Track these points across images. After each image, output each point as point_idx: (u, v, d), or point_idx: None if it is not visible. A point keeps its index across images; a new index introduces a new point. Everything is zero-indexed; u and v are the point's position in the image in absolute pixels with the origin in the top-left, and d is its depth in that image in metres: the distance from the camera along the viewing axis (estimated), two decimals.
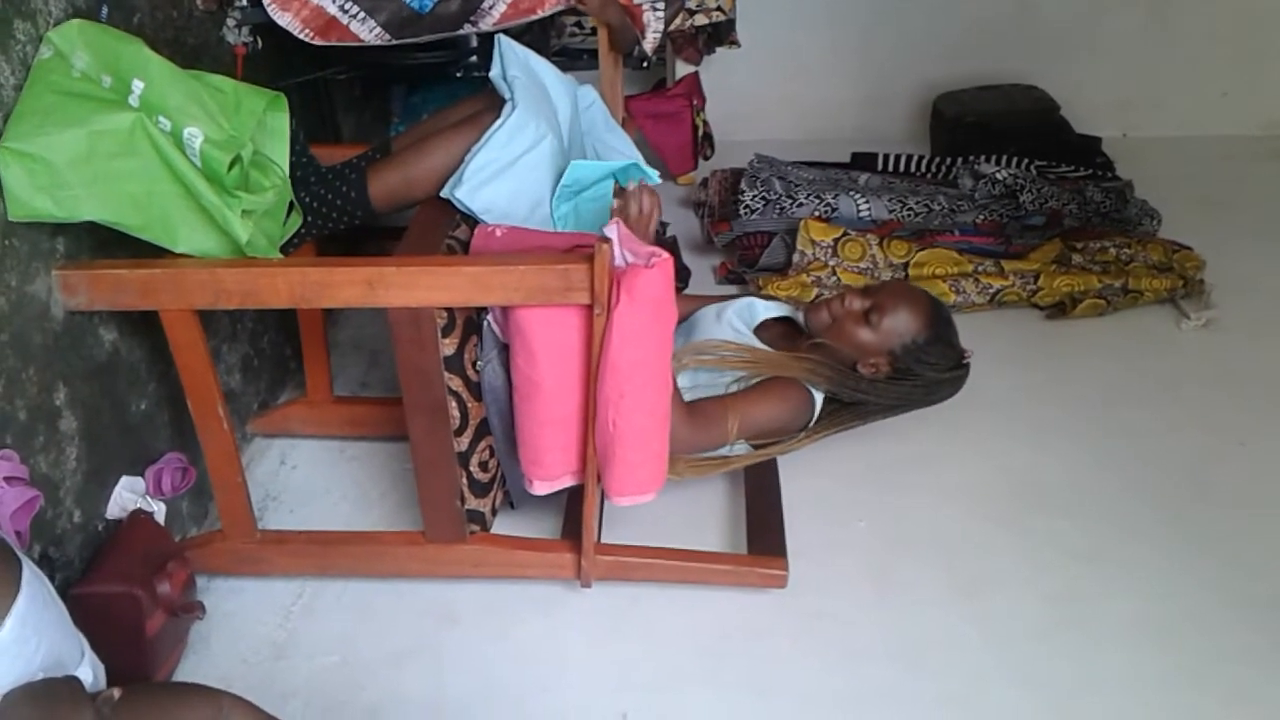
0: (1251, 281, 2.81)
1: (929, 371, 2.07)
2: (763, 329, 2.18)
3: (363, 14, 2.11)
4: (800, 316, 2.19)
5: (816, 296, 2.67)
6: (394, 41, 2.15)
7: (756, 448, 2.05)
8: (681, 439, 1.85)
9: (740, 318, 2.17)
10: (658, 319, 1.62)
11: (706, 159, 3.48)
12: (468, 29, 2.22)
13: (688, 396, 1.95)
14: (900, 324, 2.05)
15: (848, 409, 2.09)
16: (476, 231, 1.76)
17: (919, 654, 1.79)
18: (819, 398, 2.05)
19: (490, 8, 2.19)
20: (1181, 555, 1.96)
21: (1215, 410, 2.36)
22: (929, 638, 1.82)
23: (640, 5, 2.56)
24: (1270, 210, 3.27)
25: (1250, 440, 2.26)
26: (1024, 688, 1.73)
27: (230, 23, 2.11)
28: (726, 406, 1.95)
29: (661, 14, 2.58)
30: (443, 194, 1.82)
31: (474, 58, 2.81)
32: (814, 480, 2.12)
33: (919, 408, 2.13)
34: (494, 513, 1.94)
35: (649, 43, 2.64)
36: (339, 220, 1.89)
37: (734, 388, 2.00)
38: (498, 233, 1.73)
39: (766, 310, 2.22)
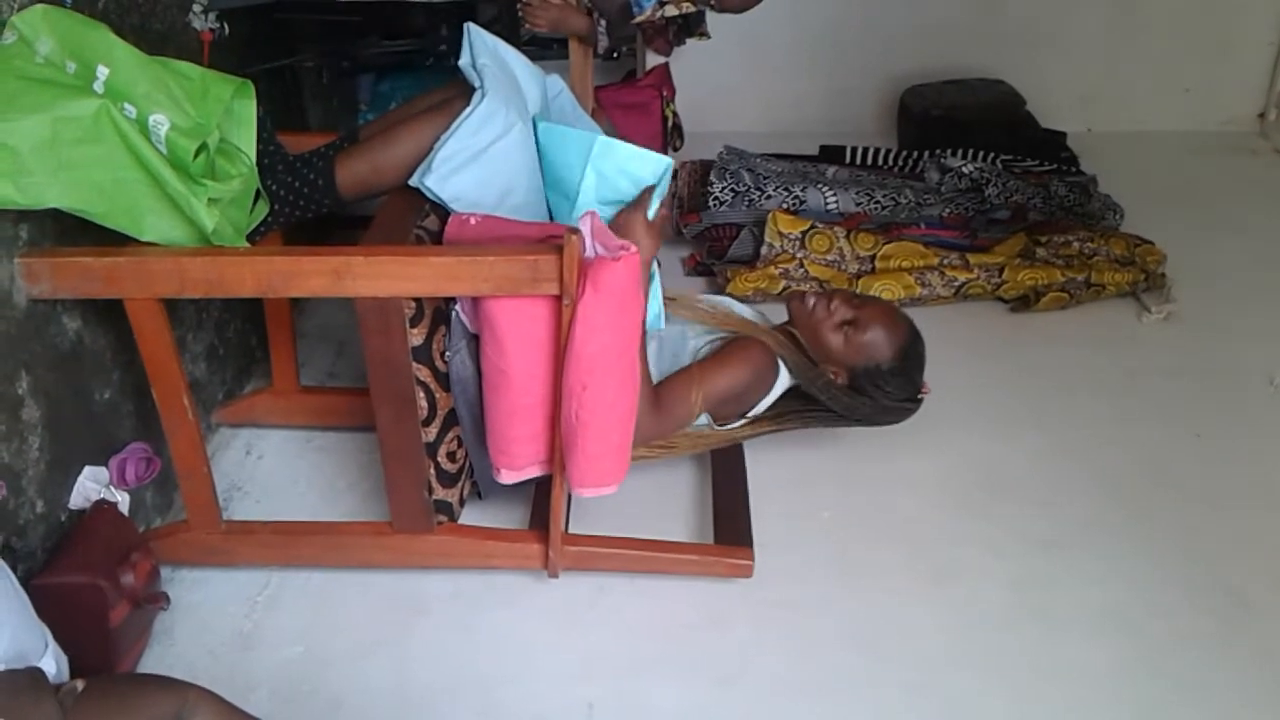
0: (1212, 275, 2.85)
1: (881, 398, 2.04)
2: None
3: None
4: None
5: (785, 288, 2.69)
6: None
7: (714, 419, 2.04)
8: (646, 429, 1.83)
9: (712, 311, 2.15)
10: (623, 312, 1.63)
11: (676, 150, 3.47)
12: None
13: (655, 377, 1.93)
14: (872, 346, 2.01)
15: (793, 409, 2.06)
16: (450, 220, 1.75)
17: (882, 642, 1.81)
18: (784, 375, 2.03)
19: None
20: (1139, 544, 2.00)
21: (1174, 402, 2.40)
22: (892, 626, 1.84)
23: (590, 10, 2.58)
24: (1231, 205, 3.32)
25: (1206, 432, 2.30)
26: (985, 675, 1.75)
27: (196, 8, 2.09)
28: (691, 379, 1.92)
29: (604, 34, 2.60)
30: (411, 182, 1.81)
31: (443, 46, 2.81)
32: (780, 471, 2.14)
33: (864, 425, 2.10)
34: (461, 503, 1.94)
35: (600, 47, 2.66)
36: (306, 209, 1.88)
37: (704, 350, 1.98)
38: (472, 221, 1.73)
39: (741, 312, 2.18)
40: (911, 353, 2.05)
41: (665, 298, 1.98)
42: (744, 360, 1.98)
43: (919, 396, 2.08)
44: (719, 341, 2.01)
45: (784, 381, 2.04)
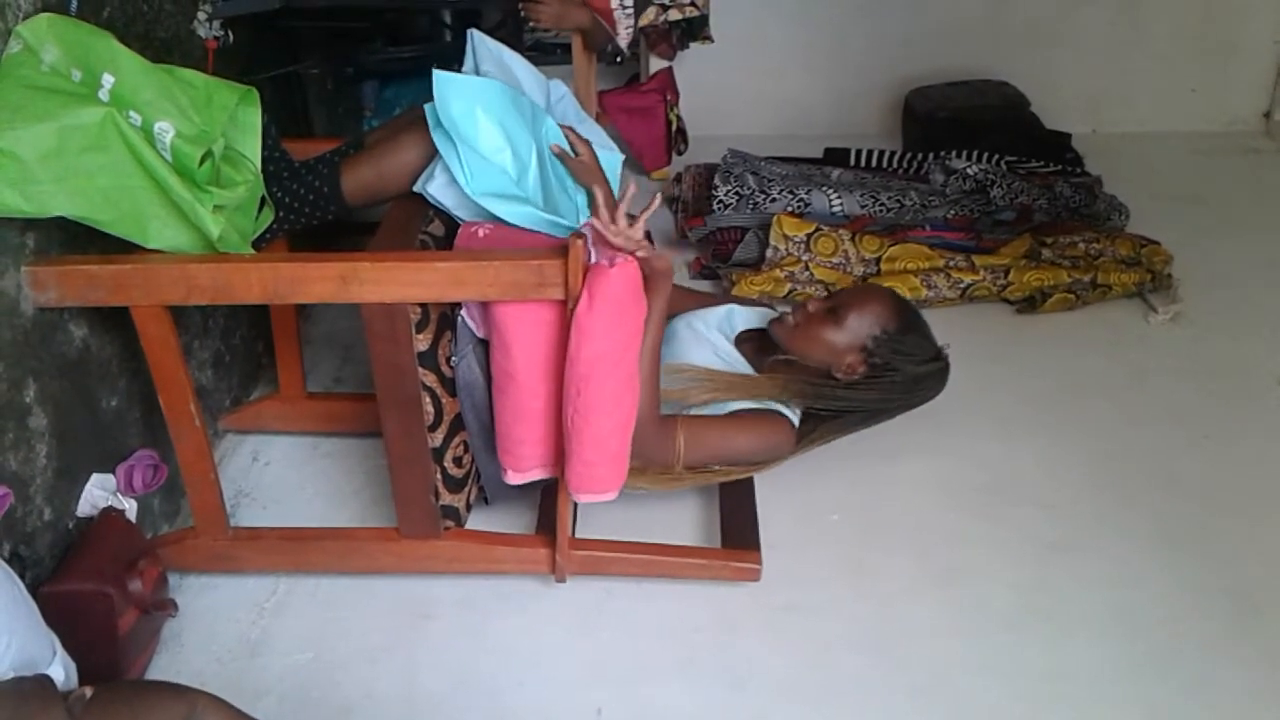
0: (1218, 276, 2.85)
1: (907, 365, 2.00)
2: (741, 340, 2.13)
3: None
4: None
5: (790, 291, 2.68)
6: (354, 2, 2.12)
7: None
8: (649, 446, 1.82)
9: (720, 330, 2.12)
10: (620, 319, 1.62)
11: (680, 154, 3.48)
12: None
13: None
14: (868, 316, 1.99)
15: (827, 422, 2.03)
16: (460, 231, 1.76)
17: (890, 645, 1.81)
18: (795, 421, 2.00)
19: None
20: (1148, 546, 1.99)
21: (1182, 403, 2.40)
22: (900, 629, 1.84)
23: (611, 8, 2.58)
24: (1237, 205, 3.31)
25: (1215, 433, 2.30)
26: (993, 677, 1.75)
27: (201, 16, 2.09)
28: (678, 425, 1.89)
29: (630, 10, 2.59)
30: (415, 188, 1.82)
31: (448, 52, 2.81)
32: (787, 474, 2.13)
33: (902, 410, 2.07)
34: (468, 508, 1.94)
35: (623, 39, 2.65)
36: (311, 215, 1.88)
37: (709, 410, 1.95)
38: (480, 232, 1.74)
39: (745, 320, 2.17)
40: (906, 307, 2.05)
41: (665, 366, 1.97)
42: (759, 433, 1.96)
43: (942, 354, 2.05)
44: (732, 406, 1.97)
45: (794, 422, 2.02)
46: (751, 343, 2.13)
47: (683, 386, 1.95)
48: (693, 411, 1.95)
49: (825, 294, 2.12)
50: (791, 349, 2.04)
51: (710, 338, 2.09)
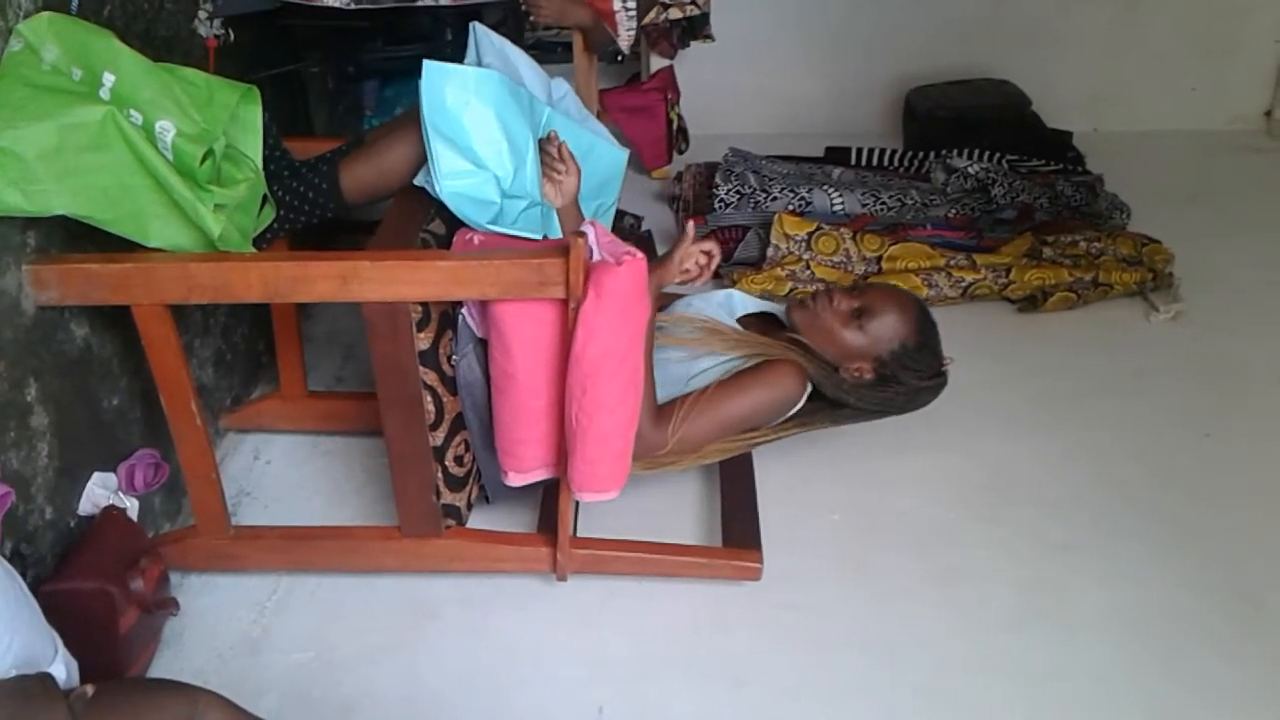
0: (1220, 274, 2.85)
1: (912, 380, 2.00)
2: (743, 322, 2.11)
3: None
4: (782, 312, 2.13)
5: (791, 290, 2.68)
6: (355, 7, 2.12)
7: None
8: (649, 441, 1.82)
9: (722, 308, 2.11)
10: (625, 318, 1.62)
11: (681, 153, 3.48)
12: (428, 1, 2.22)
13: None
14: (889, 328, 1.98)
15: (821, 411, 2.02)
16: (456, 238, 1.76)
17: (892, 645, 1.81)
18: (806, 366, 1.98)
19: None
20: (1150, 545, 1.99)
21: (1183, 402, 2.39)
22: (902, 628, 1.84)
23: (614, 10, 2.57)
24: (1238, 204, 3.31)
25: (1216, 432, 2.30)
26: (995, 677, 1.75)
27: (202, 15, 2.09)
28: (673, 417, 1.87)
29: (634, 11, 2.59)
30: (417, 182, 1.81)
31: (448, 51, 2.81)
32: (788, 473, 2.13)
33: (894, 415, 2.07)
34: (469, 507, 1.94)
35: (624, 40, 2.65)
36: (312, 214, 1.88)
37: (714, 373, 1.92)
38: (475, 239, 1.73)
39: (745, 305, 2.16)
40: (928, 321, 2.02)
41: (674, 316, 1.97)
42: (767, 382, 1.93)
43: (944, 369, 2.04)
44: (735, 363, 1.95)
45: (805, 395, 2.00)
46: (755, 325, 2.11)
47: (692, 336, 1.94)
48: (697, 379, 1.93)
49: (851, 289, 2.07)
50: (807, 337, 2.01)
51: (712, 314, 2.07)
